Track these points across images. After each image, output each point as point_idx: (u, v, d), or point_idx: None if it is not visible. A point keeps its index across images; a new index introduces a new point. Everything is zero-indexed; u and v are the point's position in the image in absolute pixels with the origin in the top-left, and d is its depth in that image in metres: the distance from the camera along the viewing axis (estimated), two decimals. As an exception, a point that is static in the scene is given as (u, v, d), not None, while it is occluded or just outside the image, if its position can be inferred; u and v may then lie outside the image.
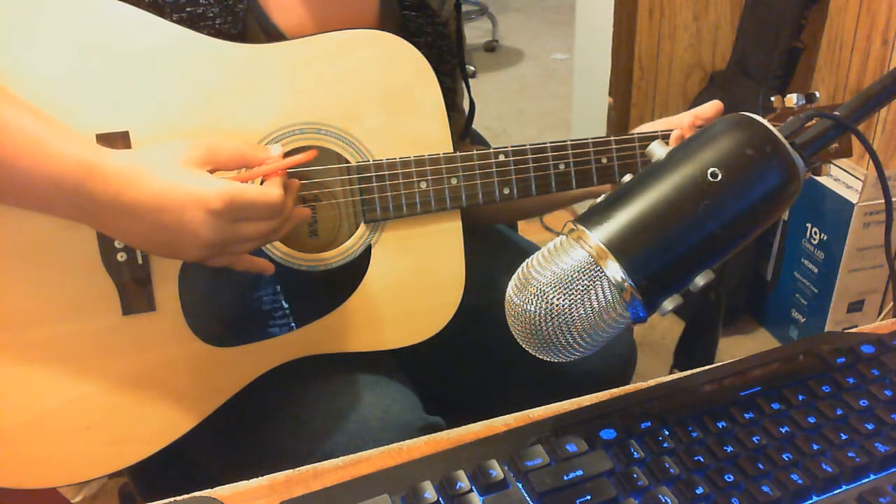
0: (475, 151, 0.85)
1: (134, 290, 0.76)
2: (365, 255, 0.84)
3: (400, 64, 0.82)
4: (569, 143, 0.88)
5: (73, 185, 0.65)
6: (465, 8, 4.18)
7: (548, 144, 0.87)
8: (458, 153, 0.84)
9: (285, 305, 0.83)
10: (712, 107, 0.94)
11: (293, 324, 0.83)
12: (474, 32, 4.18)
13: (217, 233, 0.67)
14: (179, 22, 0.78)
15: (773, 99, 0.95)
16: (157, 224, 0.66)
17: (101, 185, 0.65)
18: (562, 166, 0.87)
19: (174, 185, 0.66)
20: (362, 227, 0.84)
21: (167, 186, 0.66)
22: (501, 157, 0.86)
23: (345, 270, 0.84)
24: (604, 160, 0.89)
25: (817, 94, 0.94)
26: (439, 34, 0.93)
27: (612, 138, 0.89)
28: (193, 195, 0.66)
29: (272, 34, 0.83)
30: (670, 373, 1.91)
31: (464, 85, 1.02)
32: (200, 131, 0.76)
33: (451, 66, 0.97)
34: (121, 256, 0.75)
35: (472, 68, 3.71)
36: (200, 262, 0.72)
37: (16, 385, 0.74)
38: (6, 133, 0.64)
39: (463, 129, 1.05)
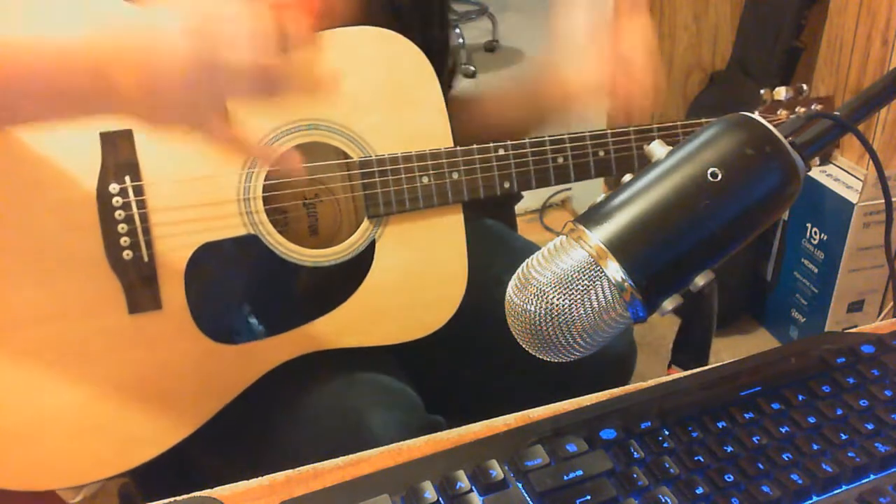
0: (475, 146, 0.87)
1: (140, 289, 0.76)
2: (369, 251, 0.85)
3: (399, 60, 0.84)
4: (566, 136, 0.90)
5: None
6: (465, 8, 4.16)
7: (546, 138, 0.89)
8: (458, 148, 0.86)
9: (292, 301, 0.83)
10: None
11: (300, 319, 0.83)
12: (474, 32, 4.17)
13: (193, 52, 0.57)
14: None
15: (762, 92, 0.97)
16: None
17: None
18: (560, 159, 0.90)
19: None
20: (366, 222, 0.85)
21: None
22: (501, 151, 0.87)
23: (350, 266, 0.85)
24: (601, 153, 0.91)
25: (804, 86, 0.96)
26: None
27: (609, 131, 0.91)
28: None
29: None
30: (668, 368, 1.91)
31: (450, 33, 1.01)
32: None
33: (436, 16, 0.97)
34: (126, 255, 0.75)
35: (472, 68, 3.71)
36: (182, 107, 0.61)
37: (22, 385, 0.74)
38: None
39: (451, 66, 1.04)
